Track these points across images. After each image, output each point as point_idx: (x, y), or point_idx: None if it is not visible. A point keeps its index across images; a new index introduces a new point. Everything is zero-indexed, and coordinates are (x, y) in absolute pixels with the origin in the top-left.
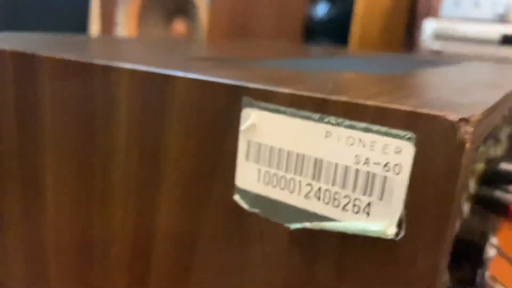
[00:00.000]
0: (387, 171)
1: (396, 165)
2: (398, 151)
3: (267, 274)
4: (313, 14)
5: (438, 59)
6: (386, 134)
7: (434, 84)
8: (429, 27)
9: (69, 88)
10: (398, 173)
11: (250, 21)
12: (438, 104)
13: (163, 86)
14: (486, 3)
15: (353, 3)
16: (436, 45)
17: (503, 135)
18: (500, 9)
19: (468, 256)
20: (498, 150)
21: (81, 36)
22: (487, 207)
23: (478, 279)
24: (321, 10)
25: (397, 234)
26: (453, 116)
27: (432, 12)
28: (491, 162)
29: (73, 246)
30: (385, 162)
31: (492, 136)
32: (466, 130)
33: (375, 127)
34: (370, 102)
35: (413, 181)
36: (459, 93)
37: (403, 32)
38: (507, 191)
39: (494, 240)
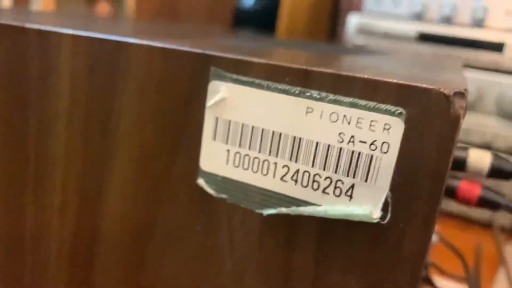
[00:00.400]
0: (374, 150)
1: (383, 143)
2: (386, 128)
3: (237, 264)
4: (241, 4)
5: (365, 49)
6: (374, 109)
7: (394, 65)
8: (352, 21)
9: None
10: (385, 152)
11: (180, 6)
12: (422, 79)
13: (114, 54)
14: (404, 0)
15: None
16: (359, 40)
17: None
18: (417, 7)
19: None
20: None
21: None
22: None
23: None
24: (248, 0)
25: (382, 217)
26: (447, 90)
27: (355, 7)
28: None
29: (1, 240)
30: (371, 141)
31: None
32: (461, 104)
33: (363, 102)
34: (359, 75)
35: (401, 160)
36: (425, 72)
37: (328, 26)
38: (455, 177)
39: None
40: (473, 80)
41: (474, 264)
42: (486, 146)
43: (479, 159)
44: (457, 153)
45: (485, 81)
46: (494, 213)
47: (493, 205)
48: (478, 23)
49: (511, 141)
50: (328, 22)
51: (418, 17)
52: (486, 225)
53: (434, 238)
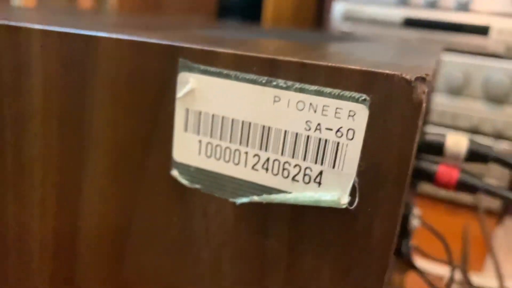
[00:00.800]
0: (340, 137)
1: (349, 130)
2: (351, 115)
3: (213, 252)
4: None
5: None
6: (339, 97)
7: (365, 52)
8: (338, 8)
9: None
10: (351, 139)
11: None
12: (386, 65)
13: (85, 48)
14: None
15: None
16: (346, 27)
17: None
18: None
19: None
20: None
21: None
22: (416, 177)
23: (403, 248)
24: None
25: (351, 202)
26: (409, 75)
27: None
28: (422, 134)
29: None
30: (337, 128)
31: None
32: (423, 89)
33: (328, 90)
34: (323, 63)
35: (367, 146)
36: (397, 58)
37: (314, 13)
38: (433, 161)
39: (417, 211)
40: (460, 64)
41: (461, 247)
42: (473, 130)
43: (456, 143)
44: (435, 137)
45: (471, 65)
46: (477, 196)
47: (471, 189)
48: (463, 7)
49: (498, 124)
50: (315, 10)
51: (404, 2)
52: (475, 208)
53: (416, 222)
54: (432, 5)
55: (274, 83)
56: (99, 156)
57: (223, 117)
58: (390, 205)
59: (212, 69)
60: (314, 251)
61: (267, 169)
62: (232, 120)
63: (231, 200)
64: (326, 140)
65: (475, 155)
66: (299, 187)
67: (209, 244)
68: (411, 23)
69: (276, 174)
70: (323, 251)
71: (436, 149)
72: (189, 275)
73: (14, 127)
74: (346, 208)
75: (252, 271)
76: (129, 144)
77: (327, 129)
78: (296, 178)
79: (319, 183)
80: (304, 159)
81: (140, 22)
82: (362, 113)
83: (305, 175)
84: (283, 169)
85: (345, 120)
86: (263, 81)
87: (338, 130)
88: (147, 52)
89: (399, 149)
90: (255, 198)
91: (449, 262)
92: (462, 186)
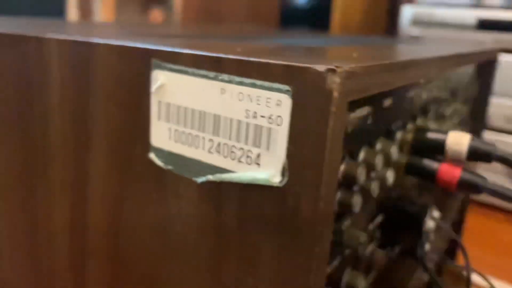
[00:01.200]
0: (271, 123)
1: (278, 117)
2: (278, 104)
3: (184, 226)
4: (290, 2)
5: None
6: (268, 88)
7: (322, 51)
8: (407, 13)
9: (5, 61)
10: (279, 125)
11: (222, 7)
12: (313, 60)
13: (87, 54)
14: None
15: None
16: (415, 31)
17: (449, 111)
18: None
19: (409, 228)
20: (444, 126)
21: (57, 20)
22: (418, 176)
23: (419, 251)
24: None
25: (282, 182)
26: (321, 67)
27: None
28: (421, 131)
29: (19, 211)
30: (269, 115)
31: (432, 111)
32: (334, 80)
33: (259, 82)
34: (255, 59)
35: (292, 131)
36: (344, 57)
37: (385, 19)
38: (435, 160)
39: (434, 212)
40: None
41: None
42: None
43: (457, 141)
44: (436, 135)
45: None
46: None
47: (473, 188)
48: None
49: None
50: (386, 15)
51: (478, 3)
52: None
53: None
54: (509, 6)
55: (220, 77)
56: (99, 145)
57: (185, 108)
58: (313, 187)
59: (176, 66)
60: (258, 227)
61: (219, 152)
62: (192, 110)
63: (194, 179)
64: (261, 127)
65: (478, 154)
66: (243, 167)
67: (181, 220)
68: (485, 25)
69: (226, 156)
70: (264, 227)
71: (438, 147)
72: (167, 246)
73: (41, 121)
74: (278, 187)
75: (212, 244)
76: (121, 134)
77: (261, 116)
78: (241, 159)
79: (258, 164)
80: (246, 143)
81: (195, 32)
82: (286, 102)
83: (247, 157)
84: (231, 152)
85: (274, 109)
86: (212, 76)
87: (269, 117)
88: (129, 55)
89: (316, 135)
90: (210, 177)
91: (466, 269)
92: (464, 185)
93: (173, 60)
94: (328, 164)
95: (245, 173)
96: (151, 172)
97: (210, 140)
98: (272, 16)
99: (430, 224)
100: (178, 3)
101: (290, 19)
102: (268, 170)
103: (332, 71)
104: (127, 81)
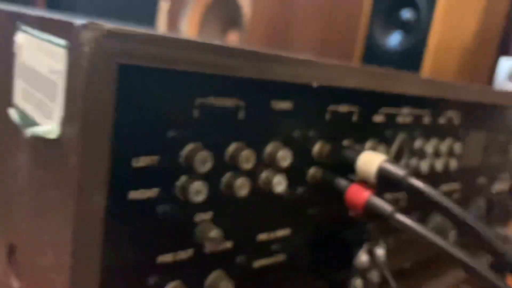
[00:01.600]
0: (57, 78)
1: (59, 70)
2: (60, 58)
3: (28, 173)
4: (381, 41)
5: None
6: (57, 44)
7: None
8: (503, 65)
9: None
10: (60, 78)
11: (290, 34)
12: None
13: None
14: None
15: (427, 36)
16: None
17: (398, 140)
18: None
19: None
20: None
21: None
22: (330, 192)
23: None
24: (394, 39)
25: (59, 135)
26: (78, 22)
27: None
28: (340, 146)
29: None
30: (56, 69)
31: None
32: (87, 35)
33: (54, 39)
34: (35, 13)
35: (67, 84)
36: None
37: (489, 71)
38: (347, 178)
39: (380, 250)
40: None
41: None
42: None
43: (367, 162)
44: (350, 152)
45: None
46: None
47: (379, 216)
48: None
49: None
50: (490, 66)
51: None
52: None
53: (365, 258)
54: None
55: (42, 36)
56: None
57: (28, 66)
58: (78, 140)
59: (29, 29)
60: (53, 178)
61: (37, 106)
62: (32, 68)
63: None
64: (52, 81)
65: (385, 177)
66: (45, 121)
67: (26, 168)
68: None
69: (40, 112)
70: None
71: (350, 165)
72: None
73: None
74: (59, 139)
75: (40, 196)
76: None
77: (52, 71)
78: (45, 113)
79: (51, 118)
80: (46, 97)
81: None
82: (63, 56)
83: (45, 110)
84: (40, 105)
85: (57, 62)
86: (35, 34)
87: (56, 72)
88: (3, 18)
89: (78, 90)
90: (29, 132)
91: None
92: (371, 211)
93: (28, 24)
94: (85, 120)
95: (39, 127)
96: (13, 127)
97: (33, 94)
98: (350, 52)
99: (362, 258)
100: (248, 27)
101: (376, 59)
102: (54, 123)
103: (85, 26)
104: (2, 41)
